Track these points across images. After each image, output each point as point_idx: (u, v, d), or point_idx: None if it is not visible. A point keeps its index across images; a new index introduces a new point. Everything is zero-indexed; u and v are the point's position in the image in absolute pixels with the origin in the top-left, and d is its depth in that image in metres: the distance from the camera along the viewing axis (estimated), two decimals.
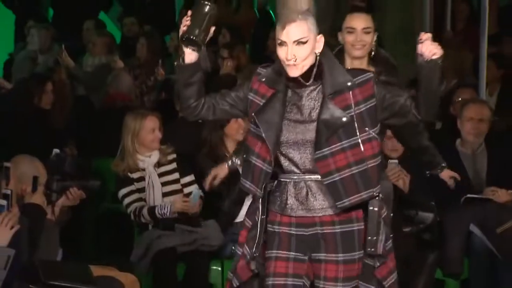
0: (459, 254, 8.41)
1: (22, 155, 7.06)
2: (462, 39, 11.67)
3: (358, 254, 5.62)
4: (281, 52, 5.42)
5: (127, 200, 8.27)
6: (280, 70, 5.57)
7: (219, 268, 8.17)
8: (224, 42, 11.82)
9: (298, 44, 5.41)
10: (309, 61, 5.47)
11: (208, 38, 5.54)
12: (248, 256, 5.72)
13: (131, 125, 8.27)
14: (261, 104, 5.62)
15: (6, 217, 6.17)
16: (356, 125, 5.51)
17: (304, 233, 5.60)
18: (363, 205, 5.58)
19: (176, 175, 8.41)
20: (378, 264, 5.71)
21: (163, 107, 9.70)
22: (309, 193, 5.59)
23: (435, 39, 10.95)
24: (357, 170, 5.49)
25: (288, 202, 5.61)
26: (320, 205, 5.58)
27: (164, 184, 8.36)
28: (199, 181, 8.34)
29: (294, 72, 5.45)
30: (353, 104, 5.51)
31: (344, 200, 5.47)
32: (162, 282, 8.13)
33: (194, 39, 5.44)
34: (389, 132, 7.43)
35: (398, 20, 11.81)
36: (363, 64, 6.60)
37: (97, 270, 7.24)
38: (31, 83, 9.99)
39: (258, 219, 5.66)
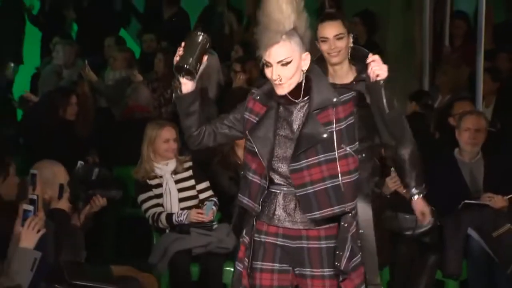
0: (458, 257, 8.40)
1: (47, 162, 7.07)
2: (460, 54, 11.66)
3: None
4: (267, 72, 5.31)
5: (145, 205, 8.29)
6: (271, 88, 5.42)
7: (232, 269, 8.17)
8: (236, 57, 11.81)
9: (282, 65, 5.27)
10: (296, 79, 5.33)
11: (201, 67, 5.44)
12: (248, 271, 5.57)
13: (148, 133, 8.30)
14: (255, 121, 5.47)
15: (33, 221, 6.15)
16: (335, 141, 5.35)
17: (290, 245, 5.44)
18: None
19: (192, 182, 8.41)
20: (341, 278, 5.46)
21: (177, 120, 9.72)
22: (297, 206, 5.42)
23: (435, 54, 11.02)
24: (331, 185, 5.33)
25: (276, 212, 5.44)
26: (307, 218, 5.39)
27: (180, 190, 8.36)
28: (213, 187, 8.40)
29: (281, 90, 5.33)
30: (334, 121, 5.36)
31: (315, 213, 5.33)
32: (178, 282, 8.14)
33: (187, 68, 5.36)
34: None
35: (400, 37, 11.82)
36: (344, 67, 6.43)
37: (118, 271, 7.28)
38: (56, 96, 10.00)
39: (253, 235, 5.52)
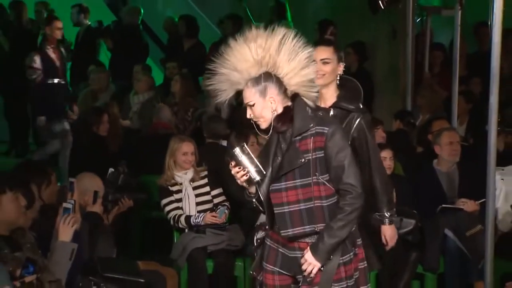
0: (436, 253, 8.36)
1: (85, 173, 7.10)
2: (438, 80, 11.64)
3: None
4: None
5: (167, 209, 8.28)
6: None
7: (242, 264, 8.15)
8: None
9: (249, 106, 5.30)
10: (268, 116, 5.28)
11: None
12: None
13: (171, 146, 8.32)
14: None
15: (69, 218, 6.20)
16: (311, 168, 5.26)
17: (288, 255, 5.38)
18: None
19: (207, 188, 8.39)
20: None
21: (198, 135, 9.71)
22: None
23: (416, 79, 10.94)
24: (304, 207, 5.25)
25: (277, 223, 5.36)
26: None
27: (197, 195, 8.35)
28: (225, 192, 8.40)
29: (261, 125, 5.33)
30: (311, 149, 5.27)
31: (289, 230, 5.27)
32: (195, 275, 8.11)
33: (259, 180, 5.30)
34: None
35: (387, 65, 11.80)
36: (330, 90, 6.14)
37: (143, 265, 7.27)
38: (91, 115, 10.01)
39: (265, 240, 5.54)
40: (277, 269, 5.42)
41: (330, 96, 6.15)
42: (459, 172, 8.65)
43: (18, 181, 5.98)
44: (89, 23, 13.46)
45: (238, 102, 11.46)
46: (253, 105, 5.27)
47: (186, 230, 8.22)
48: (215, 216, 8.21)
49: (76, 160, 7.68)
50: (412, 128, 10.50)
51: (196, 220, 8.17)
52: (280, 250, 5.42)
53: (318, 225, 5.25)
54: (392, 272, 8.33)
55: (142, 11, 13.77)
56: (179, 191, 8.29)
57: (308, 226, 5.27)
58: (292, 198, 5.27)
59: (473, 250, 8.10)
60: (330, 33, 11.97)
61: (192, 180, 8.34)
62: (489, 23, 7.40)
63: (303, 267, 5.26)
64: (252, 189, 5.43)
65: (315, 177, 5.25)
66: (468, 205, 8.41)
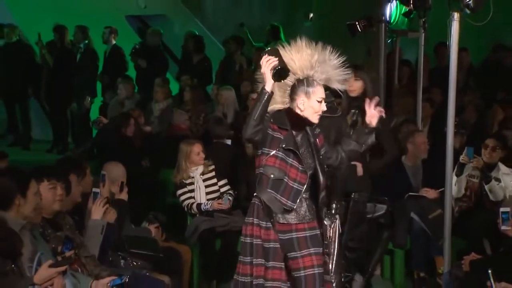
0: (404, 233, 8.36)
1: (114, 162, 7.09)
2: (405, 90, 11.63)
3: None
4: (318, 106, 5.35)
5: (182, 198, 8.29)
6: (284, 118, 5.40)
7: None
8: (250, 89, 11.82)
9: (321, 101, 5.36)
10: None
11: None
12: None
13: (184, 149, 8.30)
14: (281, 139, 5.37)
15: (100, 200, 6.29)
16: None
17: (317, 233, 5.46)
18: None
19: (214, 180, 8.39)
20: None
21: (206, 137, 9.70)
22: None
23: (387, 90, 10.87)
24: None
25: (306, 213, 5.41)
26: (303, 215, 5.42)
27: (206, 186, 8.35)
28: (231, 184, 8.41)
29: (317, 119, 5.40)
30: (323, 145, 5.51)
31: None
32: (206, 251, 8.13)
33: (287, 71, 5.23)
34: None
35: None
36: None
37: (162, 243, 7.24)
38: (120, 119, 10.02)
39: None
40: (313, 250, 5.42)
41: None
42: (423, 166, 8.65)
43: (56, 173, 5.99)
44: (115, 42, 13.46)
45: (241, 108, 11.54)
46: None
47: (198, 215, 8.23)
48: (221, 203, 8.24)
49: (107, 156, 7.68)
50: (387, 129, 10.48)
51: (206, 207, 8.20)
52: (308, 234, 5.44)
53: None
54: (367, 247, 8.34)
55: (162, 32, 13.76)
56: (192, 183, 8.30)
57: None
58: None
59: (434, 230, 8.08)
60: None
61: (202, 173, 8.34)
62: (447, 43, 7.41)
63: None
64: (273, 80, 5.20)
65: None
66: (430, 193, 8.42)
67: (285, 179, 5.32)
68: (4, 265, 4.45)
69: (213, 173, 8.39)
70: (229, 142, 9.62)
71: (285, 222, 5.40)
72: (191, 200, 8.26)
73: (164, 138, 10.31)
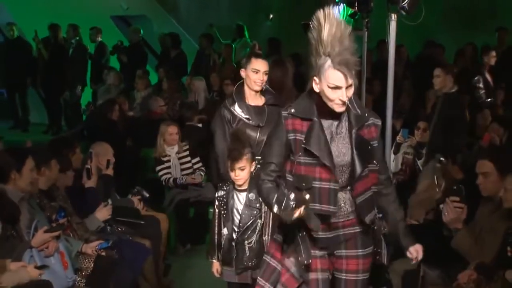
0: None
1: (100, 143, 7.06)
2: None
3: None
4: (335, 93, 3.81)
5: (160, 173, 8.26)
6: (308, 105, 3.97)
7: (213, 211, 8.13)
8: (227, 76, 11.81)
9: (347, 88, 3.82)
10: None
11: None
12: (296, 267, 4.07)
13: (161, 130, 8.27)
14: (303, 137, 3.92)
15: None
16: (374, 155, 3.99)
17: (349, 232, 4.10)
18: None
19: (188, 158, 8.36)
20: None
21: (181, 120, 9.68)
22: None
23: None
24: (369, 194, 4.00)
25: (345, 208, 4.02)
26: (347, 212, 4.03)
27: (181, 163, 8.32)
28: (203, 161, 8.37)
29: (342, 109, 3.86)
30: (373, 137, 3.99)
31: (367, 216, 3.99)
32: (181, 218, 8.13)
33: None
34: None
35: None
36: (257, 94, 5.44)
37: (143, 212, 7.23)
38: (106, 105, 9.98)
39: (300, 234, 3.99)
40: (361, 252, 4.14)
41: (258, 97, 5.48)
42: None
43: (55, 152, 6.00)
44: (100, 39, 13.45)
45: (212, 96, 11.50)
46: (351, 85, 3.84)
47: (174, 188, 8.22)
48: (194, 178, 8.24)
49: (95, 137, 7.64)
50: None
51: (181, 181, 8.19)
52: (341, 232, 4.08)
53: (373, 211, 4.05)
54: None
55: (142, 30, 13.71)
56: (169, 160, 8.27)
57: (372, 212, 4.05)
58: (367, 185, 3.98)
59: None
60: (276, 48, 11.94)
61: (177, 152, 8.32)
62: (386, 40, 7.45)
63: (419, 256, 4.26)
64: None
65: (373, 165, 3.97)
66: None
67: (316, 184, 3.94)
68: (5, 230, 4.43)
69: (187, 152, 8.36)
70: (199, 125, 9.62)
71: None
72: (168, 175, 8.24)
73: (144, 122, 10.25)
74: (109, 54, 13.53)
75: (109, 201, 6.43)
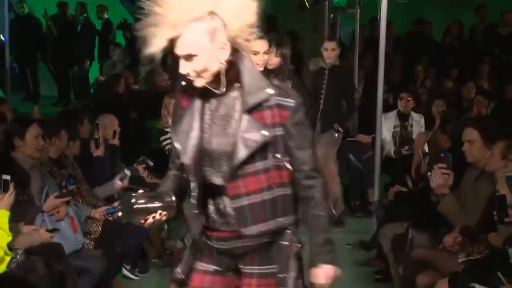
0: (343, 170, 8.38)
1: (107, 114, 7.05)
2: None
3: None
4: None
5: (164, 143, 8.21)
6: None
7: None
8: None
9: (187, 59, 2.82)
10: (214, 69, 2.82)
11: None
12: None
13: (165, 102, 8.25)
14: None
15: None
16: (271, 147, 2.88)
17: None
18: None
19: None
20: None
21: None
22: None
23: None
24: (267, 197, 2.91)
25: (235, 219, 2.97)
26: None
27: None
28: None
29: (198, 81, 2.85)
30: (271, 125, 2.86)
31: (251, 227, 2.93)
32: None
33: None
34: None
35: (310, 47, 11.74)
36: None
37: (148, 179, 7.23)
38: (112, 79, 9.96)
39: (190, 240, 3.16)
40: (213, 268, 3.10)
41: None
42: (358, 117, 8.70)
43: (64, 123, 6.00)
44: (107, 17, 13.42)
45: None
46: (196, 55, 2.79)
47: None
48: None
49: (102, 109, 7.62)
50: None
51: None
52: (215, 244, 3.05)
53: (284, 218, 2.97)
54: None
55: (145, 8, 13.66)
56: None
57: (272, 221, 2.94)
58: (253, 187, 2.90)
59: (367, 168, 8.18)
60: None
61: None
62: (378, 17, 7.42)
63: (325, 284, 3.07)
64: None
65: (275, 159, 2.91)
66: (364, 138, 8.49)
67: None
68: (17, 195, 4.44)
69: None
70: None
71: None
72: (172, 145, 8.22)
73: (149, 95, 10.23)
74: (115, 31, 13.50)
75: (127, 172, 6.42)
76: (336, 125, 7.42)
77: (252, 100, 2.85)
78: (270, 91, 2.86)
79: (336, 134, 7.18)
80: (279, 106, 2.87)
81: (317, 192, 2.98)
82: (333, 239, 3.08)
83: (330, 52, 6.90)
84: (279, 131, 2.89)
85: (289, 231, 3.03)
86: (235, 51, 2.88)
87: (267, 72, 5.19)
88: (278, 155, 2.92)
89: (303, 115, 2.94)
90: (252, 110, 2.85)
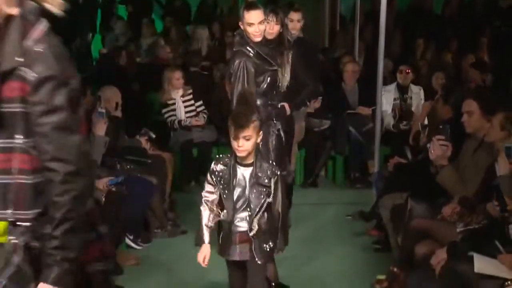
0: (344, 142, 8.45)
1: (109, 86, 7.04)
2: (345, 29, 11.65)
3: None
4: None
5: (166, 115, 8.27)
6: None
7: (216, 150, 8.17)
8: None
9: None
10: None
11: None
12: None
13: (168, 75, 8.24)
14: None
15: (104, 120, 6.28)
16: (12, 125, 2.33)
17: None
18: None
19: (192, 102, 8.33)
20: None
21: (185, 66, 9.64)
22: None
23: (330, 27, 10.71)
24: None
25: None
26: None
27: (185, 106, 8.30)
28: (206, 104, 8.36)
29: None
30: (15, 98, 2.31)
31: None
32: (185, 158, 8.16)
33: None
34: None
35: (312, 17, 11.70)
36: (261, 43, 5.00)
37: (150, 151, 7.25)
38: (114, 51, 9.94)
39: None
40: None
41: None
42: (358, 89, 8.69)
43: None
44: None
45: (215, 44, 11.42)
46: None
47: (179, 129, 8.23)
48: (198, 120, 8.24)
49: (104, 82, 7.61)
50: (331, 59, 10.47)
51: (185, 123, 8.20)
52: None
53: (16, 211, 2.36)
54: (314, 155, 8.43)
55: None
56: (174, 103, 8.26)
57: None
58: None
59: (367, 140, 8.19)
60: None
61: (182, 96, 8.30)
62: None
63: None
64: None
65: (18, 140, 2.34)
66: (364, 110, 8.49)
67: None
68: None
69: (191, 96, 8.33)
70: (204, 72, 9.63)
71: None
72: (174, 118, 8.25)
73: (151, 67, 10.22)
74: (117, 3, 13.46)
75: (150, 132, 6.41)
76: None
77: (3, 67, 2.29)
78: (21, 60, 2.28)
79: (303, 108, 7.01)
80: (21, 78, 2.30)
81: (59, 196, 2.33)
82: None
83: (296, 23, 6.73)
84: (16, 108, 2.32)
85: (22, 226, 2.37)
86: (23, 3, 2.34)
87: (267, 42, 5.19)
88: (18, 136, 2.34)
89: (53, 93, 2.30)
90: (4, 78, 2.30)
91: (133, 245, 6.23)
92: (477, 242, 4.21)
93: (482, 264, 3.96)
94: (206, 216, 3.93)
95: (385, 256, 5.90)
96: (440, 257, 4.28)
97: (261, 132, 3.90)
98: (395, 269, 5.01)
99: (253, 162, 3.86)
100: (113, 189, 5.79)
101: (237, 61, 4.99)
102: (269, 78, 5.06)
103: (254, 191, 3.84)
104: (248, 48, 4.99)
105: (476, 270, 3.94)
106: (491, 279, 3.91)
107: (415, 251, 4.70)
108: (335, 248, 6.30)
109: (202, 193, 3.98)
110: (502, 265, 3.98)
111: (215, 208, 3.93)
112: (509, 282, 3.79)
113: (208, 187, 3.95)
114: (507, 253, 4.04)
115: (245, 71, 4.94)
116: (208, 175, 3.92)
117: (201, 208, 3.97)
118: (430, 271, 4.31)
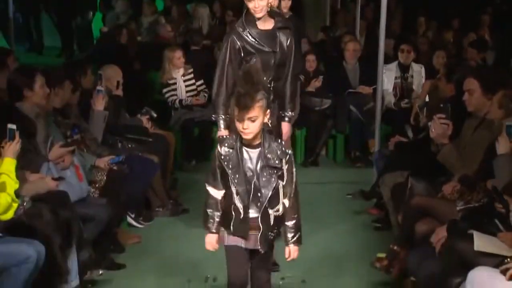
0: (344, 121, 8.45)
1: (110, 65, 7.00)
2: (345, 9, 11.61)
3: None
4: None
5: (167, 95, 8.26)
6: None
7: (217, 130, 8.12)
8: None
9: None
10: None
11: None
12: None
13: (168, 54, 8.21)
14: None
15: (102, 95, 6.20)
16: None
17: None
18: None
19: (193, 81, 8.31)
20: None
21: (185, 45, 9.61)
22: None
23: (332, 7, 10.69)
24: None
25: None
26: None
27: (186, 85, 8.28)
28: (206, 83, 8.34)
29: None
30: None
31: None
32: (186, 137, 8.15)
33: None
34: None
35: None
36: (266, 19, 4.85)
37: (151, 130, 7.22)
38: (115, 30, 9.90)
39: None
40: None
41: (267, 22, 4.90)
42: (360, 68, 8.68)
43: (68, 74, 5.99)
44: None
45: (216, 23, 11.37)
46: None
47: (180, 108, 8.21)
48: (199, 99, 8.23)
49: (105, 60, 7.59)
50: (331, 39, 10.44)
51: (186, 102, 8.19)
52: None
53: None
54: (315, 133, 8.43)
55: None
56: (174, 83, 8.24)
57: None
58: None
59: (368, 119, 8.18)
60: None
61: (183, 75, 8.28)
62: None
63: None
64: None
65: None
66: (365, 89, 8.48)
67: None
68: (23, 144, 4.46)
69: (191, 75, 8.31)
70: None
71: None
72: (174, 97, 8.23)
73: (152, 46, 10.20)
74: None
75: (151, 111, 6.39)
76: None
77: None
78: None
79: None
80: None
81: None
82: None
83: (287, 1, 6.74)
84: None
85: None
86: None
87: (265, 24, 4.95)
88: None
89: None
90: None
91: (134, 223, 6.24)
92: (477, 220, 4.21)
93: (482, 242, 3.97)
94: (216, 216, 3.69)
95: (385, 235, 5.91)
96: (440, 235, 4.28)
97: (268, 111, 3.60)
98: (395, 247, 5.01)
99: (260, 142, 3.58)
100: (115, 167, 5.78)
101: (224, 40, 5.00)
102: (258, 59, 4.84)
103: (265, 174, 3.57)
104: (240, 27, 4.89)
105: (476, 248, 3.94)
106: (491, 257, 3.91)
107: (415, 229, 4.70)
108: (335, 226, 6.31)
109: (208, 193, 3.69)
110: (502, 243, 3.98)
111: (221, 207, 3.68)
112: (508, 259, 3.79)
113: (212, 190, 3.68)
114: (507, 231, 4.04)
115: (228, 50, 4.88)
116: (216, 159, 3.62)
117: (208, 211, 3.69)
118: (430, 249, 4.32)
